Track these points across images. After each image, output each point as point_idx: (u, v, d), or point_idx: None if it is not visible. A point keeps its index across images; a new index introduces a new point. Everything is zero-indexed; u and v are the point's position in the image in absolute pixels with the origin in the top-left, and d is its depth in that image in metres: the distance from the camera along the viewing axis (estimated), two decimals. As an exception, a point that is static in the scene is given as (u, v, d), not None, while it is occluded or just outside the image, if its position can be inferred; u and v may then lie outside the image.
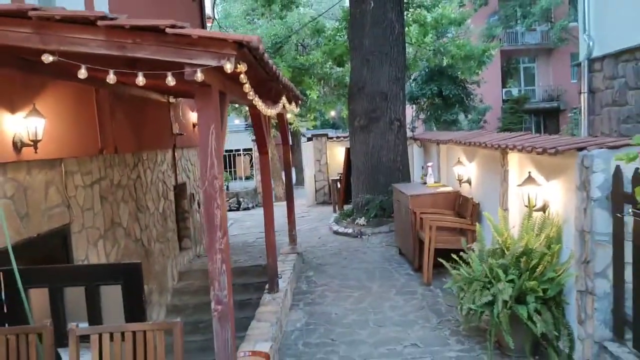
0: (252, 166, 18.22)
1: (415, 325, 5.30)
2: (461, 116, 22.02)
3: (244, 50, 3.06)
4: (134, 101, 6.69)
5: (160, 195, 7.82)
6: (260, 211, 15.17)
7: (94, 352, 2.90)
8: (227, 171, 18.09)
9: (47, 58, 3.10)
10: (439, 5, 13.95)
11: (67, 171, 5.07)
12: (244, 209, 16.00)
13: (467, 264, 4.73)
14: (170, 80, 3.12)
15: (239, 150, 18.28)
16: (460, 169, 7.16)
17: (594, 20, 10.16)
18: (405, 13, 12.00)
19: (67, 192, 5.03)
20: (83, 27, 3.04)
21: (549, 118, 29.15)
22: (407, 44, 12.32)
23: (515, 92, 29.48)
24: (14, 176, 4.21)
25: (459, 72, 15.76)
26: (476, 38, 22.97)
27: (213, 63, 3.03)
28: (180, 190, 8.86)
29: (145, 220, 7.10)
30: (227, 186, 16.51)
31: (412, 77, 19.97)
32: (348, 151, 12.19)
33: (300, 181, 20.51)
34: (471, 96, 21.33)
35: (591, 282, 3.64)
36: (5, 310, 3.90)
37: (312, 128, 25.85)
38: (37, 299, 3.97)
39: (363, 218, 10.27)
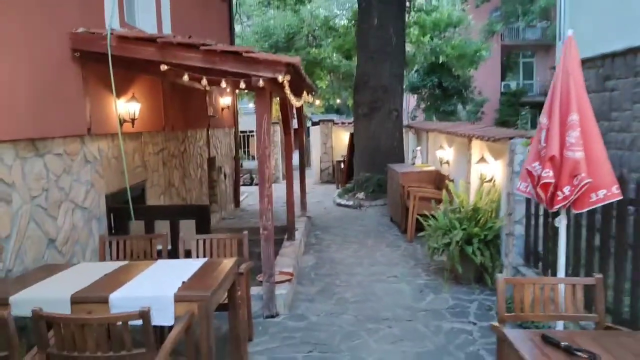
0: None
1: (398, 265, 7.13)
2: (459, 107, 23.68)
3: (290, 67, 4.83)
4: (183, 89, 8.44)
5: (198, 165, 9.63)
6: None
7: (193, 250, 4.71)
8: (241, 150, 19.86)
9: (163, 67, 4.90)
10: (437, 10, 15.63)
11: (144, 142, 6.87)
12: (256, 184, 17.80)
13: (435, 218, 6.54)
14: (242, 84, 4.90)
15: (252, 131, 19.92)
16: (441, 153, 8.94)
17: (566, 31, 11.86)
18: (406, 16, 13.71)
19: (144, 157, 6.83)
20: (190, 49, 4.81)
21: (544, 111, 30.76)
22: (407, 43, 14.02)
23: (513, 85, 31.02)
24: (115, 144, 6.00)
25: (453, 69, 17.44)
26: (477, 33, 24.49)
27: (270, 75, 4.80)
28: (211, 162, 10.65)
29: (188, 184, 8.92)
30: (242, 164, 18.25)
31: (415, 69, 21.62)
32: (352, 136, 13.96)
33: (307, 162, 22.28)
34: (470, 88, 22.97)
35: (512, 227, 5.44)
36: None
37: (318, 113, 27.57)
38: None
39: (362, 193, 12.08)
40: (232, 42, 12.57)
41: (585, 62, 10.49)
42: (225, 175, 11.63)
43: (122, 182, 6.06)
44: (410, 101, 24.82)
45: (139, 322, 2.72)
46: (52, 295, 3.30)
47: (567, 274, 3.77)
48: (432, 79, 21.15)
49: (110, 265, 4.03)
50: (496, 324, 2.94)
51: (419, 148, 10.18)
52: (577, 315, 3.05)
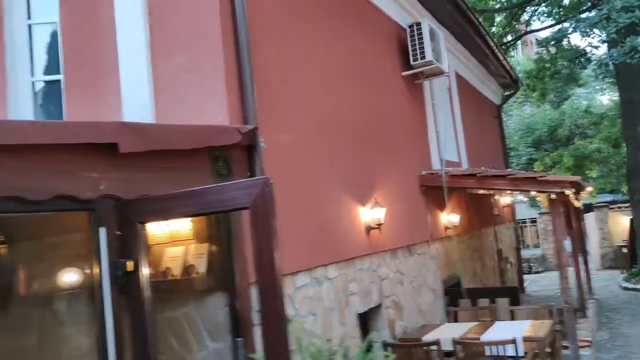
0: (537, 236, 20.94)
1: (693, 339, 7.92)
2: None
3: (573, 184, 6.78)
4: (476, 197, 10.80)
5: (490, 257, 11.69)
6: (548, 274, 17.85)
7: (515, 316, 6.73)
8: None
9: (479, 191, 7.32)
10: None
11: (456, 241, 9.31)
12: (535, 273, 18.80)
13: None
14: (535, 196, 6.99)
15: (524, 220, 21.01)
16: None
17: None
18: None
19: (459, 253, 9.24)
20: (499, 178, 7.15)
21: None
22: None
23: None
24: (443, 244, 8.52)
25: None
26: None
27: (559, 190, 6.80)
28: (499, 254, 12.59)
29: (485, 273, 11.00)
30: (518, 253, 19.53)
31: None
32: (631, 221, 14.42)
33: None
34: None
35: None
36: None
37: (591, 197, 27.25)
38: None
39: (650, 276, 12.48)
40: (504, 147, 14.82)
41: None
42: (510, 264, 13.38)
43: (448, 271, 8.51)
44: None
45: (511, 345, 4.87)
46: (444, 337, 5.69)
47: None
48: None
49: (467, 325, 6.34)
50: None
51: None
52: None
